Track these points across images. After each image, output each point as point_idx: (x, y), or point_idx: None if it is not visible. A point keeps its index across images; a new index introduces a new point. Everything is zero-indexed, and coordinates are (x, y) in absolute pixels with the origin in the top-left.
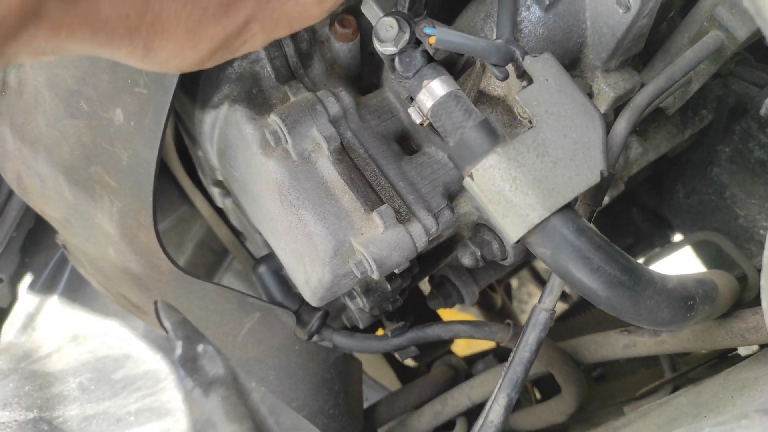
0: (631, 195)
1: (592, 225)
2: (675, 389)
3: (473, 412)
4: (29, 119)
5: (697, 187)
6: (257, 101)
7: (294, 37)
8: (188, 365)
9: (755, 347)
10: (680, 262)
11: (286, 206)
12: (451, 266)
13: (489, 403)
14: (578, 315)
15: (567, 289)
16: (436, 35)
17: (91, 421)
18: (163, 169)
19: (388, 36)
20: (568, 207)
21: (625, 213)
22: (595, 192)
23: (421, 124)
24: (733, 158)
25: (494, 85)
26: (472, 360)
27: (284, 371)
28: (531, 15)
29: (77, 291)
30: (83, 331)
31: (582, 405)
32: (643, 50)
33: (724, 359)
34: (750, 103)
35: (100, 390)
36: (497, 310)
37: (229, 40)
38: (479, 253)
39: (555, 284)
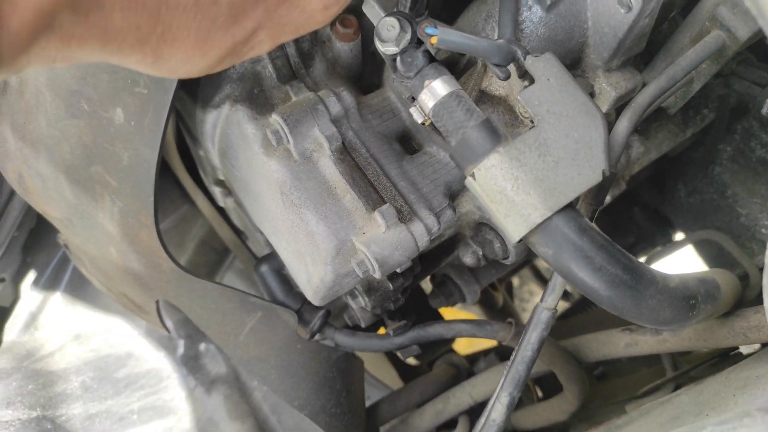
0: (633, 194)
1: (593, 224)
2: (677, 388)
3: (475, 411)
4: (30, 119)
5: (699, 186)
6: (259, 101)
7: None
8: (190, 364)
9: (757, 345)
10: (682, 261)
11: (287, 206)
12: (453, 265)
13: (491, 402)
14: (580, 313)
15: (569, 288)
16: (438, 35)
17: (94, 420)
18: (164, 168)
19: (389, 36)
20: (570, 206)
21: (626, 212)
22: (597, 191)
23: (423, 123)
24: (734, 157)
25: (496, 85)
26: (474, 358)
27: (286, 370)
28: (532, 15)
29: (79, 290)
30: (85, 329)
31: (584, 403)
32: (644, 50)
33: (725, 357)
34: (751, 102)
35: (103, 389)
36: (499, 309)
37: (237, 46)
38: (481, 253)
39: (557, 283)
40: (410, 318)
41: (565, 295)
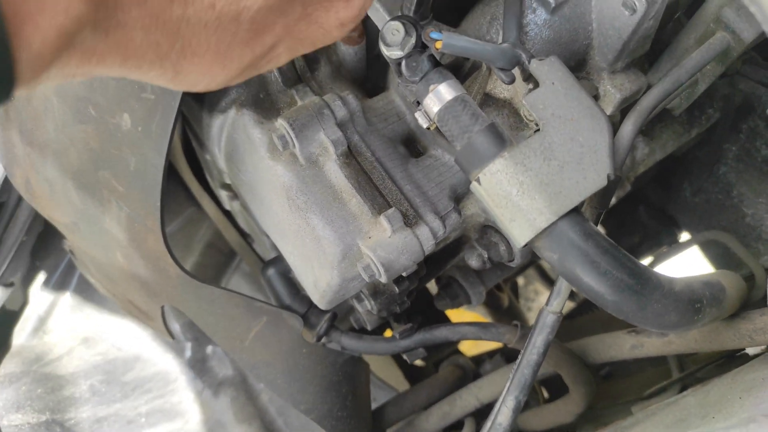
0: (638, 193)
1: (599, 229)
2: (683, 389)
3: (481, 413)
4: (38, 125)
5: (704, 186)
6: (264, 105)
7: None
8: (197, 367)
9: (763, 347)
10: (688, 262)
11: (294, 210)
12: (458, 267)
13: (497, 406)
14: (586, 314)
15: (575, 288)
16: (443, 40)
17: (103, 423)
18: (170, 171)
19: (394, 40)
20: (575, 211)
21: (631, 211)
22: (602, 195)
23: (428, 128)
24: (740, 157)
25: (500, 88)
26: (480, 359)
27: (292, 374)
28: (537, 18)
29: (87, 293)
30: (93, 333)
31: (590, 404)
32: (649, 50)
33: (732, 358)
34: (757, 101)
35: (111, 392)
36: (504, 310)
37: (256, 60)
38: (486, 255)
39: (562, 287)
40: (416, 321)
41: (571, 295)
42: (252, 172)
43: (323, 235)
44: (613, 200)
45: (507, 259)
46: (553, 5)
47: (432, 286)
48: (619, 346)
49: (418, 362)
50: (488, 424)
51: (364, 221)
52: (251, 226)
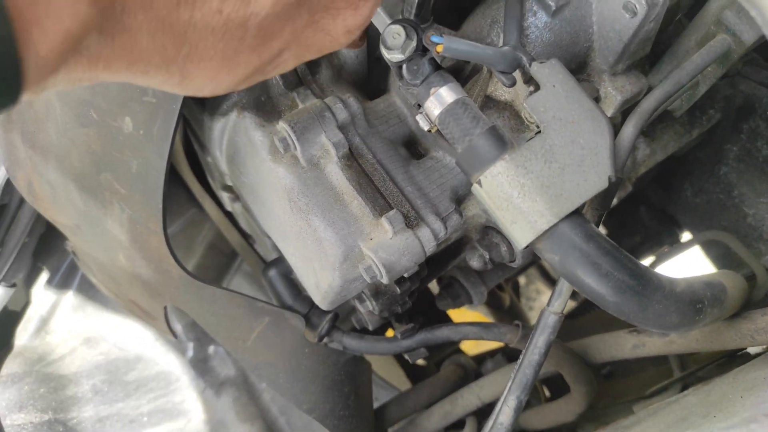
0: (639, 193)
1: (600, 230)
2: (684, 388)
3: (483, 412)
4: (40, 128)
5: (705, 186)
6: (266, 108)
7: None
8: (199, 366)
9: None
10: (689, 262)
11: (295, 212)
12: (460, 267)
13: (498, 406)
14: (587, 313)
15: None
16: (444, 43)
17: (105, 423)
18: (172, 173)
19: (395, 44)
20: (576, 213)
21: (633, 212)
22: (603, 196)
23: (429, 131)
24: (741, 157)
25: (501, 90)
26: (481, 359)
27: (294, 374)
28: (537, 20)
29: (89, 294)
30: (95, 333)
31: (591, 404)
32: (650, 52)
33: (733, 357)
34: (758, 102)
35: (114, 392)
36: (506, 309)
37: (263, 66)
38: (487, 256)
39: (563, 288)
40: (417, 321)
41: (573, 295)
42: (253, 175)
43: (325, 237)
44: (615, 201)
45: (508, 260)
46: (554, 8)
47: (433, 286)
48: (621, 346)
49: (420, 361)
50: (490, 423)
51: (365, 223)
52: (252, 227)
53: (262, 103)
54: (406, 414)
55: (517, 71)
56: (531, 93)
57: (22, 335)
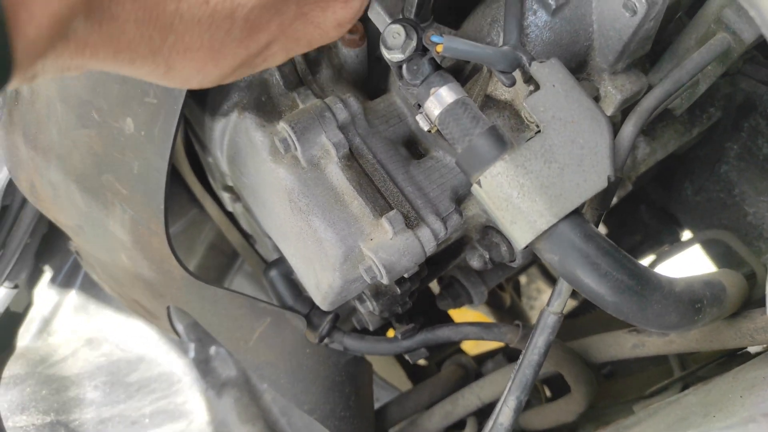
0: (639, 192)
1: (599, 230)
2: (684, 387)
3: (483, 412)
4: (42, 129)
5: (706, 185)
6: (266, 108)
7: None
8: (201, 367)
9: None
10: (689, 260)
11: (296, 212)
12: (460, 267)
13: (498, 406)
14: (587, 313)
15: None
16: (444, 43)
17: (107, 424)
18: (173, 173)
19: (395, 43)
20: (576, 213)
21: (633, 210)
22: (603, 196)
23: (429, 131)
24: (741, 155)
25: (501, 90)
26: (482, 359)
27: (295, 375)
28: (537, 19)
29: (91, 295)
30: (97, 334)
31: (592, 403)
32: (650, 51)
33: (733, 356)
34: (758, 100)
35: (115, 393)
36: (506, 309)
37: (250, 58)
38: (488, 256)
39: (563, 288)
40: (418, 321)
41: (573, 294)
42: (254, 175)
43: (325, 237)
44: (615, 200)
45: (508, 260)
46: (554, 7)
47: (434, 286)
48: (621, 346)
49: (421, 361)
50: (489, 424)
51: (365, 223)
52: (253, 227)
53: (263, 103)
54: (407, 414)
55: (517, 71)
56: (531, 92)
57: (25, 336)
